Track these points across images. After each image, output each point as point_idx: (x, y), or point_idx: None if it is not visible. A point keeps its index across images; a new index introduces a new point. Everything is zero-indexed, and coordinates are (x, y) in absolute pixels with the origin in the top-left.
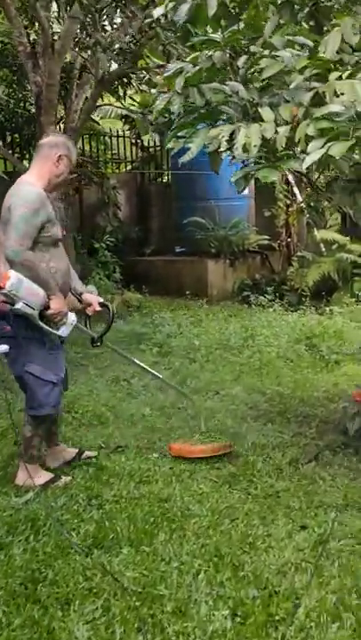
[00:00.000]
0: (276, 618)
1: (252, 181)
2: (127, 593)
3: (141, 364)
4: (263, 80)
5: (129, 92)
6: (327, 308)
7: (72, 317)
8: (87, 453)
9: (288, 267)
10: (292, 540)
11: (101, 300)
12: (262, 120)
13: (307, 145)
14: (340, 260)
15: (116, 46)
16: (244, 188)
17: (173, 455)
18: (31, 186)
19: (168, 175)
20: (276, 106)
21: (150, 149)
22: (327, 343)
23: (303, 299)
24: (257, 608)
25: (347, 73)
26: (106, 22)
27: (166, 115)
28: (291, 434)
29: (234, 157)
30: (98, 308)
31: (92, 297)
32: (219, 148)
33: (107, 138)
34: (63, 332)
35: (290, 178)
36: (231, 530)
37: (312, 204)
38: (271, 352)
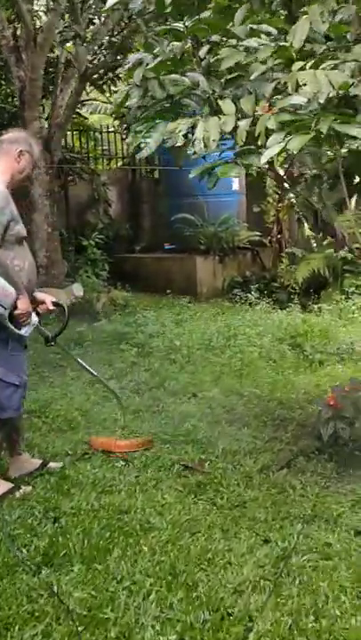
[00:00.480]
0: None
1: (243, 177)
2: (71, 616)
3: (80, 362)
4: (229, 71)
5: (117, 87)
6: (316, 306)
7: (35, 318)
8: (51, 465)
9: (279, 263)
10: (253, 555)
11: (54, 299)
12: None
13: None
14: (330, 256)
15: (105, 39)
16: (214, 184)
17: (94, 449)
18: None
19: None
20: (240, 98)
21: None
22: (312, 342)
23: (292, 296)
24: (206, 633)
25: (310, 63)
26: (94, 16)
27: (126, 108)
28: (265, 439)
29: (195, 153)
30: (51, 307)
31: (45, 296)
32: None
33: (97, 133)
34: (26, 331)
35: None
36: (190, 545)
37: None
38: (253, 352)
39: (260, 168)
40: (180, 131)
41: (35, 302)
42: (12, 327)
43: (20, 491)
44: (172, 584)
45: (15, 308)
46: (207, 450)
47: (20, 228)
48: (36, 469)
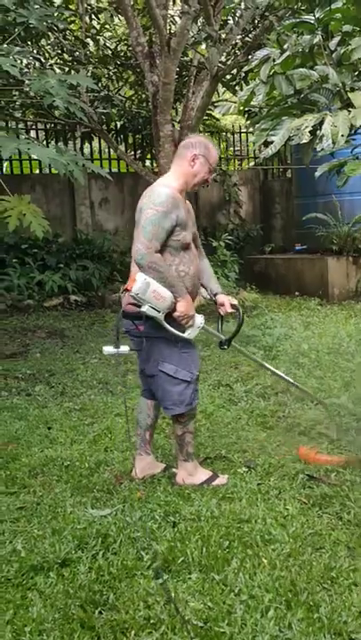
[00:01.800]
0: None
1: None
2: (186, 627)
3: (275, 370)
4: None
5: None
6: None
7: (199, 320)
8: (173, 471)
9: None
10: None
11: (235, 301)
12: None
13: None
14: None
15: (238, 39)
16: (345, 183)
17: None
18: (165, 187)
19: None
20: None
21: None
22: None
23: None
24: None
25: None
26: (228, 17)
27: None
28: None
29: (322, 150)
30: (230, 310)
31: (225, 298)
32: (313, 139)
33: (228, 134)
34: (190, 334)
35: None
36: (313, 561)
37: None
38: None
39: None
40: (306, 127)
41: (216, 304)
42: (172, 329)
43: (219, 479)
44: (291, 602)
45: (174, 310)
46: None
47: (186, 235)
48: (159, 472)
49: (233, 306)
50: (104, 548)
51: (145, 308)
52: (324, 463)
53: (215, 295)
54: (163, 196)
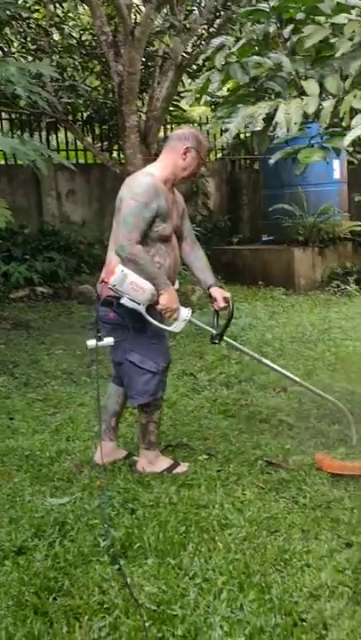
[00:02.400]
0: None
1: (345, 165)
2: (139, 611)
3: (280, 370)
4: (317, 50)
5: None
6: None
7: (185, 313)
8: (134, 459)
9: None
10: (332, 558)
11: (228, 294)
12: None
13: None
14: None
15: (203, 29)
16: (303, 171)
17: (324, 469)
18: (146, 176)
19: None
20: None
21: (241, 135)
22: None
23: None
24: (276, 637)
25: None
26: (192, 6)
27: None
28: (357, 437)
29: (277, 137)
30: (222, 305)
31: (218, 292)
32: (267, 127)
33: (196, 125)
34: (175, 327)
35: None
36: (267, 544)
37: None
38: (349, 346)
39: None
40: (259, 114)
41: (210, 298)
42: (155, 322)
43: (181, 467)
44: (244, 584)
45: (157, 303)
46: (294, 446)
47: (165, 226)
48: (120, 459)
49: (225, 299)
50: (61, 536)
51: (124, 300)
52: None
53: (209, 288)
54: (143, 185)
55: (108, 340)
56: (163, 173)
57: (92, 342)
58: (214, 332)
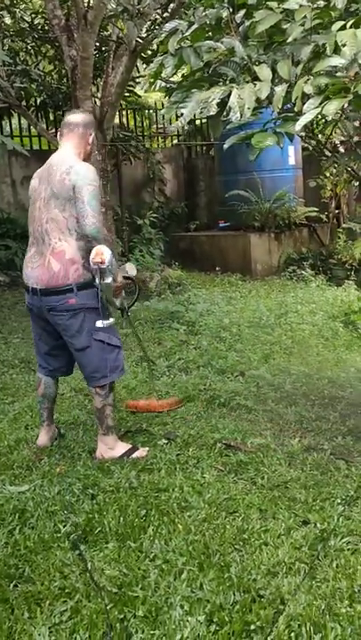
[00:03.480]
0: (252, 627)
1: (300, 151)
2: (100, 594)
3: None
4: (269, 36)
5: None
6: None
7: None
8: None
9: (336, 239)
10: (290, 536)
11: (126, 273)
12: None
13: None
14: None
15: (157, 14)
16: (257, 157)
17: (130, 410)
18: (86, 164)
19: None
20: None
21: (197, 121)
22: None
23: (349, 273)
24: (235, 614)
25: (351, 22)
26: None
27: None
28: (313, 418)
29: (230, 122)
30: (122, 281)
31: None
32: (221, 112)
33: (151, 111)
34: (118, 302)
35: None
36: (227, 524)
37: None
38: (305, 330)
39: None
40: (212, 99)
41: None
42: (113, 300)
43: (139, 451)
44: (204, 564)
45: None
46: (251, 428)
47: None
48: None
49: (125, 277)
50: (21, 523)
51: (109, 280)
52: (166, 407)
53: None
54: (92, 172)
55: (110, 321)
56: (81, 160)
57: (100, 323)
58: (122, 307)
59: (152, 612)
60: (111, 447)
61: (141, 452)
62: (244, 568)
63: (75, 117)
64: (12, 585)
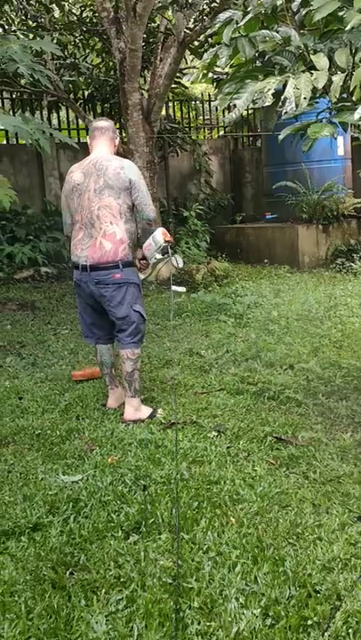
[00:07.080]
0: (309, 622)
1: (349, 141)
2: (155, 584)
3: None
4: (326, 24)
5: None
6: None
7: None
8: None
9: None
10: (344, 532)
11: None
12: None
13: None
14: None
15: (205, 4)
16: (310, 147)
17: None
18: (130, 161)
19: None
20: (335, 52)
21: (243, 112)
22: None
23: None
24: (291, 609)
25: None
26: None
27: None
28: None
29: (285, 113)
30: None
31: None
32: (276, 103)
33: (198, 103)
34: (143, 275)
35: None
36: (280, 518)
37: None
38: (355, 323)
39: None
40: (268, 90)
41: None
42: (142, 274)
43: (158, 411)
44: (258, 557)
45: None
46: (302, 422)
47: None
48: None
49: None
50: (75, 512)
51: (159, 256)
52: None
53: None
54: (137, 168)
55: (181, 288)
56: None
57: (175, 288)
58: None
59: (207, 603)
60: (137, 409)
61: (161, 412)
62: (298, 563)
63: (103, 123)
64: (67, 573)
